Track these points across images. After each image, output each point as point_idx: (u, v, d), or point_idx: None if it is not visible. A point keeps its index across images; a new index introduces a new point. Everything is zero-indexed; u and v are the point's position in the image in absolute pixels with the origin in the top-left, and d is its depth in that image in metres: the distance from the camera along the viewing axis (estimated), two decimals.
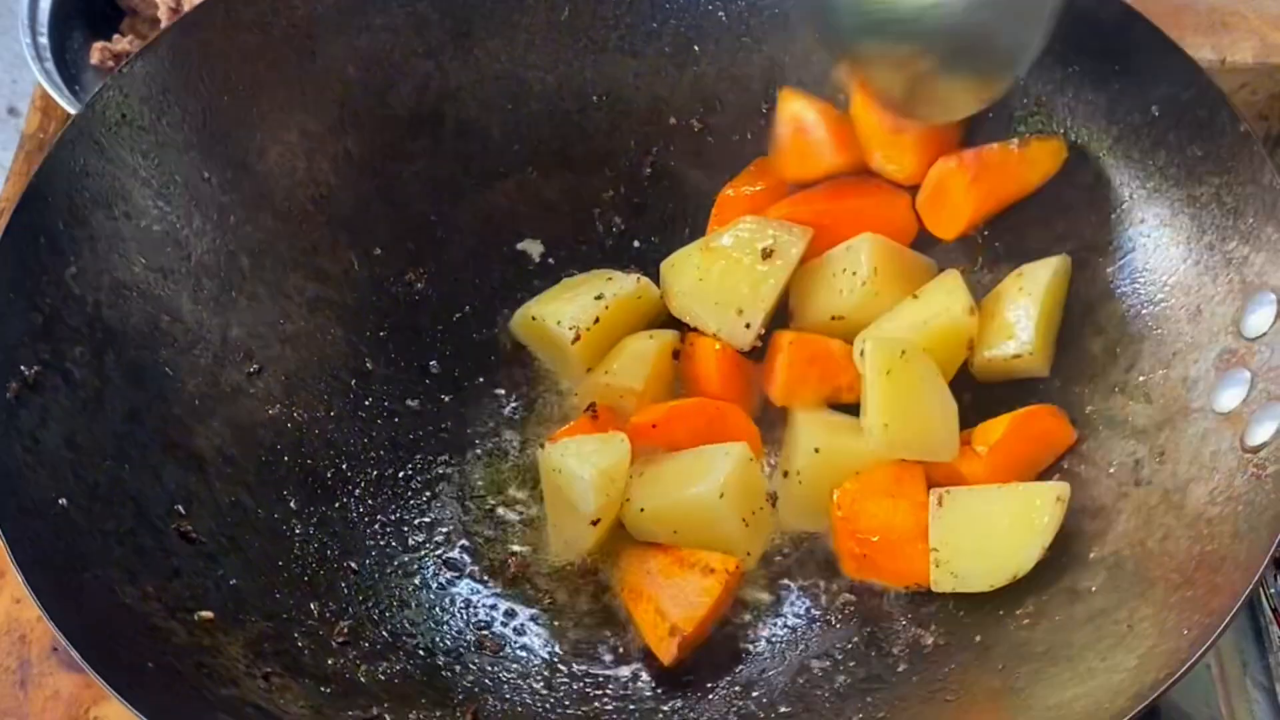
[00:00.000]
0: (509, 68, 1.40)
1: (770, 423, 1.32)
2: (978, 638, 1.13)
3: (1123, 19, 1.23)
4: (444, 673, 1.19)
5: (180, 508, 1.16)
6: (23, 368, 1.11)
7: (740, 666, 1.21)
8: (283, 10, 1.31)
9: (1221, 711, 1.21)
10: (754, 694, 1.18)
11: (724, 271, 1.31)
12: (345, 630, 1.18)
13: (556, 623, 1.25)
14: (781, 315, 1.33)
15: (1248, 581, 0.97)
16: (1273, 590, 1.24)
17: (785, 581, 1.25)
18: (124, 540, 1.11)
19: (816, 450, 1.24)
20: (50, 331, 1.15)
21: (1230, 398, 1.09)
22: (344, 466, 1.30)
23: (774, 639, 1.22)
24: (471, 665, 1.20)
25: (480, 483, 1.33)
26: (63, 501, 1.08)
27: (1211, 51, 1.45)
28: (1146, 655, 0.99)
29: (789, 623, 1.23)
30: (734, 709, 1.17)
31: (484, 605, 1.25)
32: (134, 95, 1.24)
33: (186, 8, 1.55)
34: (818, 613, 1.23)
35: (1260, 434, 1.04)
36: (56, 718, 1.28)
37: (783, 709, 1.16)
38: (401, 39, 1.36)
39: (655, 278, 1.37)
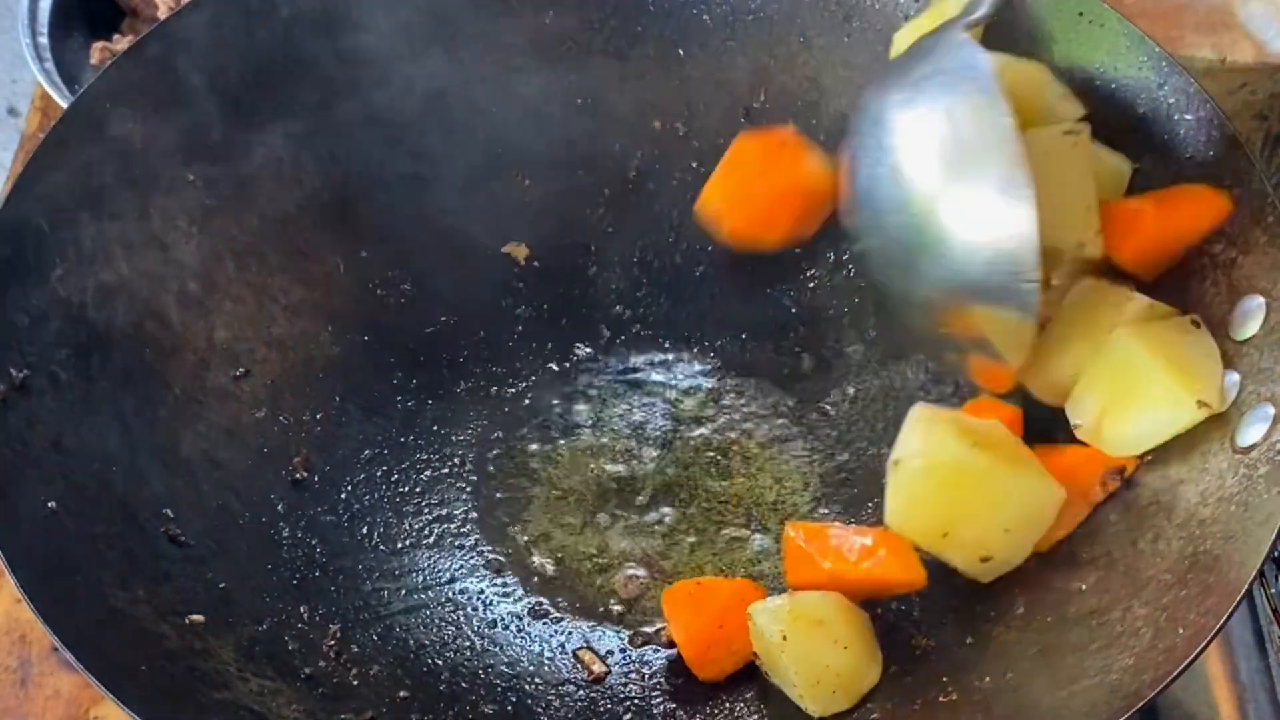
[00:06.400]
0: (493, 71, 1.39)
1: None
2: (969, 639, 1.14)
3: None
4: (435, 675, 1.19)
5: (168, 511, 1.16)
6: (11, 370, 1.10)
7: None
8: (267, 13, 1.30)
9: (1221, 711, 1.21)
10: (746, 695, 1.18)
11: None
12: (336, 633, 1.17)
13: (549, 621, 1.25)
14: None
15: (1243, 582, 0.97)
16: (1273, 590, 1.24)
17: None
18: (113, 543, 1.10)
19: None
20: (36, 334, 1.14)
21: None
22: (330, 469, 1.29)
23: None
24: (463, 668, 1.20)
25: (469, 485, 1.33)
26: (52, 504, 1.07)
27: (1211, 51, 1.44)
28: (1142, 654, 0.99)
29: None
30: (722, 711, 1.17)
31: (475, 606, 1.25)
32: (118, 96, 1.22)
33: None
34: None
35: (1251, 435, 1.05)
36: (56, 718, 1.28)
37: (767, 712, 1.17)
38: (385, 42, 1.35)
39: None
